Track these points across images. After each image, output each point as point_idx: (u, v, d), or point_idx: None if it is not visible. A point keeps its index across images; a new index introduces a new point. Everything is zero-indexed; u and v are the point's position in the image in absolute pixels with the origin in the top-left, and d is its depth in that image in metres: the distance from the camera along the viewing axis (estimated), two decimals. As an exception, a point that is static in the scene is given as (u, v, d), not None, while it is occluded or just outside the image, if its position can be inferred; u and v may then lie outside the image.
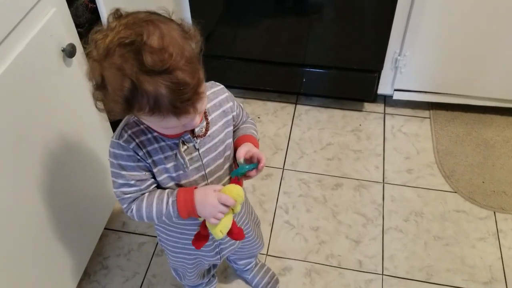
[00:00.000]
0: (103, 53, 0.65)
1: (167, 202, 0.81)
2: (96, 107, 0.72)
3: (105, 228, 1.41)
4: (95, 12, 1.14)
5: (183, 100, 0.65)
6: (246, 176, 0.86)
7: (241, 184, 0.85)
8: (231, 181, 0.86)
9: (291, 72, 1.77)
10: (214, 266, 1.24)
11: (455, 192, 1.55)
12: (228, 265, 1.38)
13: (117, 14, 0.68)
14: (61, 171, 1.11)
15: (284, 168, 1.65)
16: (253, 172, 0.85)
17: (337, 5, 1.57)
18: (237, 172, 0.85)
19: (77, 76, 1.11)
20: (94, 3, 1.10)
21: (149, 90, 0.63)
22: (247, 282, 1.35)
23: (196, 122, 0.74)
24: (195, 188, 0.82)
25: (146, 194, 0.83)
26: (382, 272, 1.36)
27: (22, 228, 0.99)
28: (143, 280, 1.36)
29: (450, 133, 1.73)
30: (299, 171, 1.63)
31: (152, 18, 0.67)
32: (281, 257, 1.40)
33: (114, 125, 1.35)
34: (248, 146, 0.87)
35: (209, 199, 0.80)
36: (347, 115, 1.83)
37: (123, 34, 0.64)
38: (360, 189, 1.57)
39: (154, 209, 0.82)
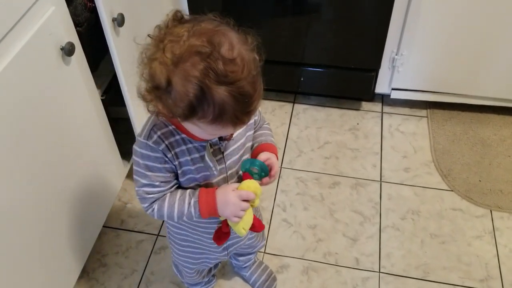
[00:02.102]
0: (175, 59, 0.65)
1: (189, 203, 0.82)
2: (148, 109, 0.72)
3: (103, 226, 1.42)
4: (93, 11, 1.14)
5: (245, 112, 0.67)
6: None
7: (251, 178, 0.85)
8: (243, 176, 0.87)
9: (289, 71, 1.78)
10: (215, 266, 1.25)
11: (452, 191, 1.56)
12: (226, 262, 1.39)
13: (177, 16, 0.69)
14: (60, 169, 1.11)
15: (282, 166, 1.65)
16: (266, 179, 0.86)
17: (335, 4, 1.58)
18: (249, 163, 0.85)
19: (75, 74, 1.11)
20: (93, 2, 1.11)
21: (217, 99, 0.64)
22: (244, 279, 1.35)
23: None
24: (216, 189, 0.83)
25: (168, 195, 0.84)
26: (379, 270, 1.37)
27: (20, 227, 1.00)
28: (142, 277, 1.37)
29: (447, 132, 1.74)
30: (296, 169, 1.64)
31: (220, 28, 0.68)
32: (279, 255, 1.41)
33: (114, 123, 1.36)
34: (269, 154, 0.88)
35: (231, 198, 0.81)
36: (345, 114, 1.84)
37: (196, 42, 0.64)
38: (357, 187, 1.58)
39: (176, 210, 0.83)
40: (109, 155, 1.35)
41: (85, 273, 1.37)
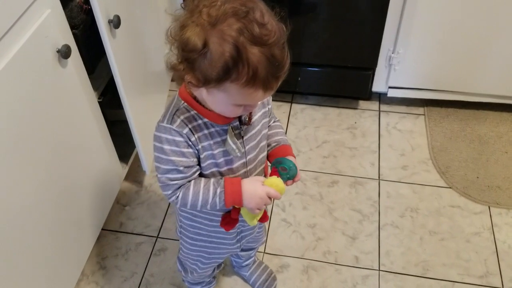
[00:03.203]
0: (212, 20, 0.67)
1: (214, 193, 0.83)
2: (183, 80, 0.74)
3: (102, 229, 1.42)
4: (89, 13, 1.14)
5: (275, 76, 0.70)
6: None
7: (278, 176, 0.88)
8: (271, 170, 0.89)
9: (286, 71, 1.78)
10: (218, 266, 1.25)
11: (450, 188, 1.56)
12: (226, 263, 1.39)
13: None
14: (57, 173, 1.11)
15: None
16: (288, 182, 0.89)
17: (331, 4, 1.58)
18: (281, 161, 0.88)
19: (72, 77, 1.11)
20: (89, 4, 1.11)
21: (251, 59, 0.66)
22: (244, 279, 1.35)
23: (257, 105, 0.82)
24: (241, 179, 0.85)
25: (192, 183, 0.84)
26: (379, 268, 1.37)
27: (18, 229, 1.00)
28: (141, 279, 1.37)
29: (445, 129, 1.75)
30: (295, 169, 1.64)
31: None
32: (279, 255, 1.41)
33: (111, 125, 1.35)
34: (295, 161, 0.91)
35: (259, 192, 0.83)
36: (342, 113, 1.84)
37: (233, 5, 0.67)
38: (356, 186, 1.58)
39: (200, 198, 0.84)
40: (106, 158, 1.35)
41: (84, 276, 1.37)
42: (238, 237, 1.04)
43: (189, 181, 0.84)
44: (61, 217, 1.15)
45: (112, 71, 1.22)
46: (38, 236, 1.07)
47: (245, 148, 0.86)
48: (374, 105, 1.86)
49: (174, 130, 0.79)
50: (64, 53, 1.03)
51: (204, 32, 0.67)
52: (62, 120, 1.10)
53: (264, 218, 0.93)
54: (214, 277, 1.29)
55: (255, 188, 0.83)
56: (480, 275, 1.35)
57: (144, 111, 1.43)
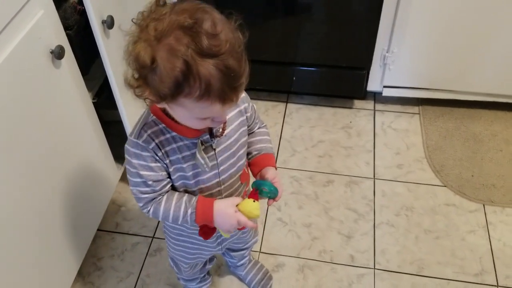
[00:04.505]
0: (158, 35, 0.65)
1: (185, 212, 0.84)
2: (135, 94, 0.72)
3: (98, 230, 1.42)
4: (83, 14, 1.14)
5: (231, 87, 0.67)
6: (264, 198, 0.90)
7: (257, 198, 0.87)
8: (251, 192, 0.87)
9: (281, 71, 1.79)
10: (211, 260, 1.25)
11: (445, 186, 1.57)
12: (222, 262, 1.39)
13: (160, 3, 0.69)
14: (52, 173, 1.11)
15: (276, 166, 1.65)
16: (270, 201, 0.90)
17: (325, 3, 1.59)
18: (261, 184, 0.88)
19: (66, 77, 1.11)
20: (83, 5, 1.11)
21: (202, 73, 0.64)
22: (240, 279, 1.36)
23: (225, 117, 0.77)
24: (214, 200, 0.85)
25: (164, 199, 0.84)
26: (374, 267, 1.38)
27: (14, 232, 1.00)
28: (137, 280, 1.37)
29: (439, 128, 1.75)
30: (290, 168, 1.65)
31: (203, 6, 0.68)
32: (274, 254, 1.41)
33: (106, 125, 1.35)
34: (275, 173, 0.91)
35: (230, 220, 0.84)
36: (338, 112, 1.84)
37: (178, 17, 0.65)
38: (351, 185, 1.59)
39: (171, 215, 0.85)
40: (102, 158, 1.35)
41: (80, 277, 1.37)
42: (219, 240, 1.04)
43: (161, 195, 0.85)
44: (56, 217, 1.15)
45: (106, 72, 1.22)
46: (33, 237, 1.07)
47: (217, 160, 0.85)
48: (369, 104, 1.87)
49: (140, 144, 0.79)
50: (58, 54, 1.03)
51: (151, 48, 0.65)
52: (57, 121, 1.10)
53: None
54: (209, 274, 1.30)
55: (227, 214, 0.84)
56: (475, 273, 1.35)
57: (138, 111, 1.43)
